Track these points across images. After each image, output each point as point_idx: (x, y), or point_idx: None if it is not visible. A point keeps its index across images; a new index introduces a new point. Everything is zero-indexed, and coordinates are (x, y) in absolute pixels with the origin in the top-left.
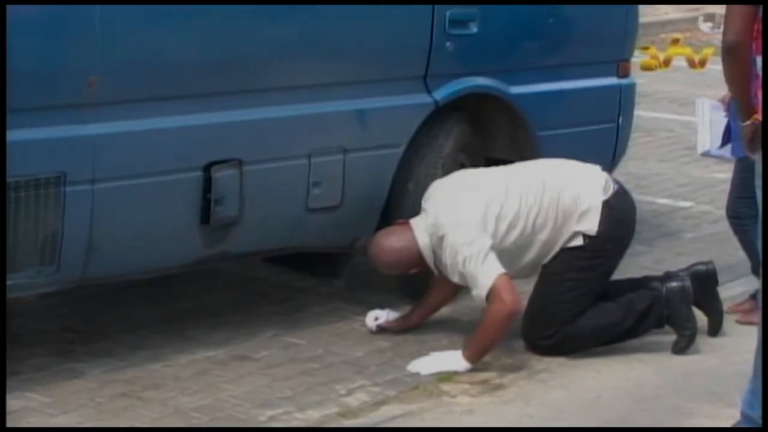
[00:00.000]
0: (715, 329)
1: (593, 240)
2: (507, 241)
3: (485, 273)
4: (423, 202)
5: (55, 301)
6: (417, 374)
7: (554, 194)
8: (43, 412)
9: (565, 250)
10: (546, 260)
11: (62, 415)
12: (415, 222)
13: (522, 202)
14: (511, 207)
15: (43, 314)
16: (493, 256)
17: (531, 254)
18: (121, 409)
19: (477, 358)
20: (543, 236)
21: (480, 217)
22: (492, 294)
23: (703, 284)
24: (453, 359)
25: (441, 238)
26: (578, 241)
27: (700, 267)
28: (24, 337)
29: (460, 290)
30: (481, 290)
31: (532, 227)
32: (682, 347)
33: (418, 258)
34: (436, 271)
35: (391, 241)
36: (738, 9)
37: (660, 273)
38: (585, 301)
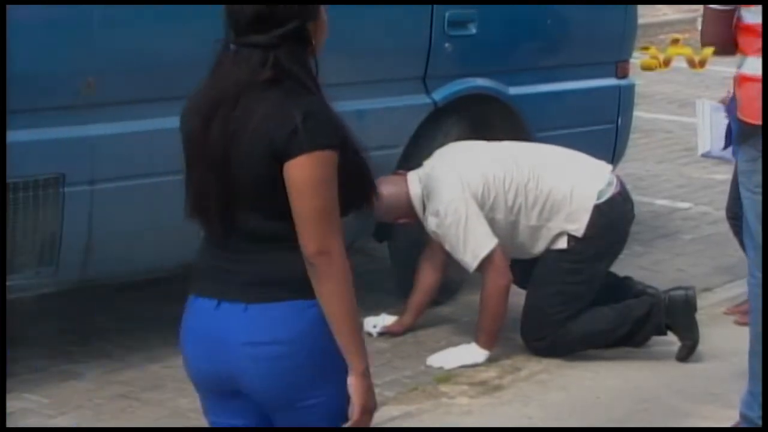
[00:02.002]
0: (684, 355)
1: (578, 243)
2: (495, 213)
3: (478, 241)
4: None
5: (54, 302)
6: (417, 375)
7: (550, 183)
8: (41, 413)
9: (551, 252)
10: (533, 252)
11: (60, 416)
12: (411, 173)
13: (518, 179)
14: (507, 180)
15: (42, 315)
16: (485, 224)
17: (516, 238)
18: (120, 410)
19: (492, 343)
20: (529, 222)
21: (475, 181)
22: (487, 265)
23: (681, 309)
24: (470, 352)
25: (431, 192)
26: (563, 243)
27: (680, 292)
28: (22, 338)
29: (449, 264)
30: (471, 259)
31: (519, 208)
32: (683, 356)
33: (408, 207)
34: (425, 224)
35: (384, 187)
36: (711, 12)
37: (659, 274)
38: (575, 304)
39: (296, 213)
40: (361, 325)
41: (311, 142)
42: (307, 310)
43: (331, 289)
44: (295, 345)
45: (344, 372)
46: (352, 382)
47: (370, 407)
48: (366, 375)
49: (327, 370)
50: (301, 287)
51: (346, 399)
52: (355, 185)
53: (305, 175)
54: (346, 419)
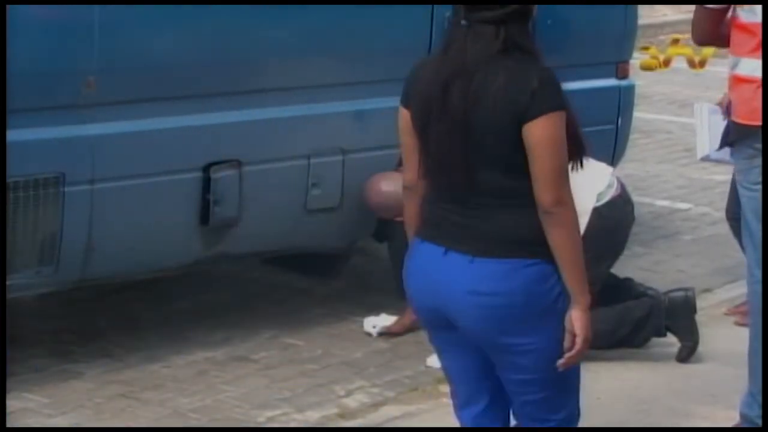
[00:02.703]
0: (684, 356)
1: None
2: None
3: None
4: None
5: (54, 301)
6: (417, 375)
7: None
8: (41, 413)
9: None
10: None
11: (60, 415)
12: None
13: None
14: None
15: (41, 315)
16: None
17: None
18: (120, 409)
19: None
20: None
21: None
22: None
23: (681, 311)
24: None
25: None
26: None
27: (680, 293)
28: (22, 338)
29: None
30: None
31: None
32: (683, 356)
33: None
34: None
35: (383, 184)
36: (703, 11)
37: (659, 275)
38: None
39: (537, 169)
40: (585, 267)
41: (549, 104)
42: (526, 268)
43: (566, 234)
44: (512, 297)
45: (555, 323)
46: (577, 316)
47: (589, 337)
48: (588, 310)
49: (539, 323)
50: (522, 247)
51: (555, 344)
52: (572, 142)
53: (546, 134)
54: (555, 361)
